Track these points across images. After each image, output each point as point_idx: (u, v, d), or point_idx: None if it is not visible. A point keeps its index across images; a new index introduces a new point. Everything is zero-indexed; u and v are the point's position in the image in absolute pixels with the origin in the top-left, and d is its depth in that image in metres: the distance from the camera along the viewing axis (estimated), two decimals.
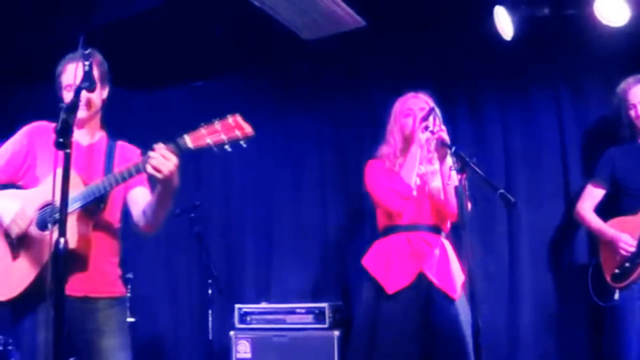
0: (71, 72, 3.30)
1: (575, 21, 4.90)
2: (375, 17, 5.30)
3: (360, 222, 5.26)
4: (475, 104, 5.51)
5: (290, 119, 6.11)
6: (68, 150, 2.61)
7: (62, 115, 2.63)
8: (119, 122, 5.82)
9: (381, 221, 4.22)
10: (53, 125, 3.36)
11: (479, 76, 5.50)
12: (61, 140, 2.59)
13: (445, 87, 5.45)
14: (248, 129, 2.97)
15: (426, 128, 3.97)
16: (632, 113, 4.59)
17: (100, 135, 3.45)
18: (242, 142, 2.98)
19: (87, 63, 2.82)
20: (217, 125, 2.97)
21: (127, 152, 3.48)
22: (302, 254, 5.92)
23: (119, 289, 3.36)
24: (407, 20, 5.33)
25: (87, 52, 2.86)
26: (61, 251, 2.51)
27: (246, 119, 5.83)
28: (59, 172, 2.63)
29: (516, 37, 4.93)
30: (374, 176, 4.20)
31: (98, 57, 3.38)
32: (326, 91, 5.99)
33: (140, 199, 3.39)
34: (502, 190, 3.33)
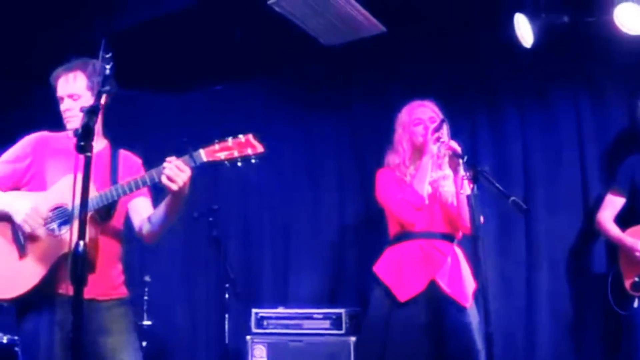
0: (62, 84, 3.45)
1: (595, 29, 4.94)
2: (395, 23, 5.38)
3: (378, 228, 5.28)
4: (494, 112, 5.58)
5: (310, 123, 6.20)
6: (89, 154, 2.66)
7: (84, 119, 2.70)
8: (141, 124, 6.07)
9: (392, 228, 4.29)
10: (55, 134, 3.54)
11: (498, 83, 5.57)
12: (82, 144, 2.63)
13: (465, 94, 5.56)
14: (259, 148, 3.14)
15: (438, 139, 4.06)
16: None
17: (104, 143, 3.54)
18: (253, 160, 3.14)
19: (108, 67, 2.92)
20: (230, 142, 3.13)
21: (130, 161, 3.60)
22: (319, 259, 6.00)
23: (123, 291, 3.46)
24: (427, 26, 5.42)
25: (108, 55, 2.98)
26: (80, 253, 2.58)
27: (266, 122, 6.01)
28: (78, 176, 2.69)
29: (536, 44, 4.98)
30: (385, 186, 4.28)
31: (93, 65, 3.45)
32: (345, 96, 6.08)
33: (141, 208, 3.51)
34: (513, 198, 3.44)
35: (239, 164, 3.14)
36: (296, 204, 6.17)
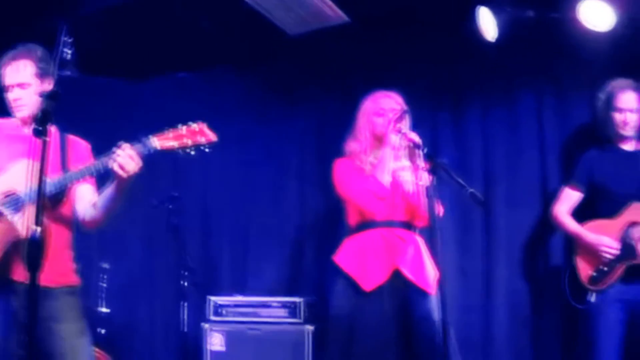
0: (9, 74, 3.48)
1: (559, 24, 4.98)
2: (359, 14, 5.41)
3: (337, 219, 5.32)
4: (457, 106, 5.63)
5: (274, 114, 6.21)
6: (46, 139, 2.72)
7: (43, 104, 2.77)
8: (101, 110, 6.05)
9: (353, 218, 4.34)
10: (3, 120, 3.55)
11: (462, 78, 5.62)
12: (40, 128, 2.70)
13: (428, 88, 5.61)
14: (212, 136, 3.21)
15: (399, 130, 4.13)
16: (618, 117, 4.69)
17: (52, 128, 3.50)
18: (205, 148, 3.21)
19: (68, 52, 2.94)
20: (184, 130, 3.19)
21: (78, 145, 3.63)
22: (279, 248, 6.03)
23: (74, 279, 3.50)
24: (391, 19, 5.43)
25: (69, 40, 3.00)
26: (37, 239, 2.62)
27: (230, 112, 5.98)
28: (27, 162, 2.79)
29: (500, 38, 5.02)
30: (345, 176, 4.34)
31: (39, 51, 3.52)
32: (310, 88, 6.09)
33: (86, 195, 3.54)
34: (471, 190, 3.51)
35: (192, 152, 3.21)
36: (257, 194, 6.18)
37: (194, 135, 3.18)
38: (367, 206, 4.17)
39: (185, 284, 5.54)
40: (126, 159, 3.13)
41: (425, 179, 3.65)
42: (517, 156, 5.44)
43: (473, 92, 5.60)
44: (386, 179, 4.15)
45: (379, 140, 4.28)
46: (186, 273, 5.54)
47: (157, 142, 3.18)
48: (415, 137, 4.02)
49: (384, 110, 4.34)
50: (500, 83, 5.52)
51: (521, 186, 5.39)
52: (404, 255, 4.15)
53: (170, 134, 3.18)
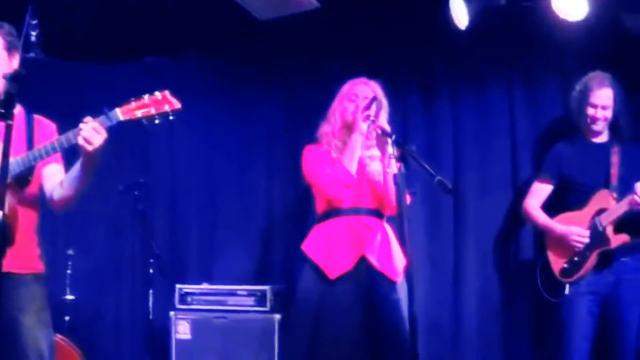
0: None
1: (532, 13, 4.99)
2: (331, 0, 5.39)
3: (306, 207, 5.39)
4: (427, 94, 5.66)
5: (242, 100, 6.19)
6: (10, 122, 2.74)
7: (7, 87, 2.79)
8: (67, 93, 6.02)
9: (320, 206, 4.36)
10: None
11: (432, 66, 5.65)
12: (3, 111, 2.72)
13: (398, 74, 5.62)
14: (176, 104, 3.22)
15: (367, 117, 4.15)
16: (591, 112, 4.72)
17: (18, 109, 3.45)
18: (170, 116, 3.22)
19: (33, 34, 2.96)
20: (147, 99, 3.20)
21: (44, 125, 3.60)
22: (246, 236, 6.03)
23: (39, 266, 3.48)
24: (361, 3, 5.42)
25: (35, 22, 3.01)
26: (0, 224, 2.63)
27: (197, 97, 6.00)
28: None
29: (471, 27, 5.02)
30: (313, 162, 4.36)
31: (6, 26, 3.47)
32: (279, 73, 6.09)
33: (54, 174, 3.51)
34: (439, 177, 3.52)
35: (157, 121, 3.21)
36: (225, 181, 6.17)
37: (157, 103, 3.20)
38: (333, 193, 4.19)
39: (152, 271, 5.53)
40: (90, 132, 3.13)
41: (394, 166, 3.68)
42: (488, 145, 5.48)
43: (444, 80, 5.62)
44: (353, 166, 4.17)
45: (348, 126, 4.30)
46: (153, 260, 5.53)
47: (120, 113, 3.18)
48: (385, 125, 4.08)
49: (356, 97, 4.36)
50: (472, 71, 5.56)
51: (492, 176, 5.44)
52: (371, 243, 4.18)
53: (133, 104, 3.19)
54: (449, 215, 5.49)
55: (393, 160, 3.68)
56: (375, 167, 4.26)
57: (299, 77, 6.03)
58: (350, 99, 4.39)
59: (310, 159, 4.39)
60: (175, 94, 5.41)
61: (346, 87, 4.46)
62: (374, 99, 4.25)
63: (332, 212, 4.28)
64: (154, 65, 6.32)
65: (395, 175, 3.67)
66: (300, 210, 5.69)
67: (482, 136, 5.51)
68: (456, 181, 5.43)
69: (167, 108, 3.20)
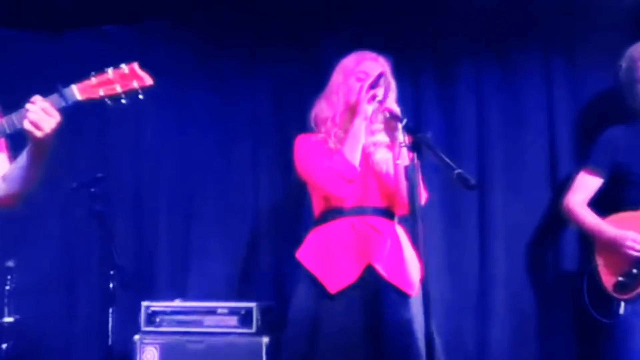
0: None
1: None
2: None
3: (301, 206, 5.47)
4: (444, 70, 5.70)
5: (220, 79, 6.20)
6: None
7: None
8: (14, 67, 6.04)
9: (318, 205, 4.42)
10: None
11: (450, 32, 5.69)
12: None
13: (408, 48, 5.66)
14: (147, 79, 3.23)
15: (373, 98, 4.20)
16: None
17: None
18: (139, 94, 3.23)
19: None
20: (111, 74, 3.20)
21: None
22: (228, 242, 6.05)
23: None
24: None
25: None
26: None
27: (165, 75, 6.01)
28: None
29: None
30: (308, 153, 4.40)
31: None
32: (266, 48, 6.08)
33: None
34: (459, 170, 3.51)
35: (123, 100, 3.21)
36: (202, 176, 6.18)
37: (124, 79, 3.19)
38: (333, 189, 4.22)
39: (112, 285, 5.48)
40: (40, 114, 3.12)
41: (405, 156, 3.75)
42: (519, 132, 5.54)
43: (465, 52, 5.67)
44: (356, 157, 4.21)
45: (353, 110, 4.32)
46: (113, 272, 5.48)
47: (77, 91, 3.18)
48: (394, 107, 4.11)
49: (366, 75, 4.38)
50: (500, 42, 5.60)
51: (525, 167, 5.50)
52: (379, 249, 4.22)
53: (93, 79, 3.19)
54: (473, 215, 5.56)
55: (404, 150, 3.77)
56: (382, 157, 4.32)
57: (290, 51, 6.04)
58: (359, 77, 4.40)
59: (304, 150, 4.43)
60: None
61: (351, 62, 4.48)
62: (381, 75, 4.30)
63: (332, 213, 4.33)
64: (112, 34, 6.35)
65: (406, 168, 3.71)
66: (294, 210, 5.74)
67: (512, 120, 5.57)
68: (481, 174, 5.50)
69: (135, 84, 3.20)
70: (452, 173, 3.56)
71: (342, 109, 4.41)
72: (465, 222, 5.59)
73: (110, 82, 3.19)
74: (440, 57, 5.73)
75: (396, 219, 4.39)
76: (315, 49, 5.84)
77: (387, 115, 4.11)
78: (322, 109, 4.50)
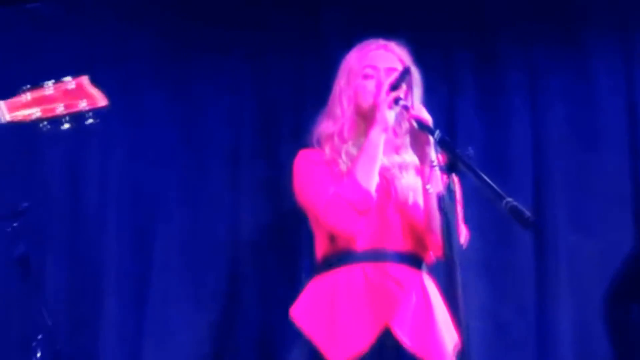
0: None
1: None
2: None
3: (296, 242, 5.46)
4: (488, 66, 5.73)
5: (188, 75, 6.19)
6: None
7: None
8: None
9: (321, 246, 4.31)
10: None
11: (496, 22, 5.75)
12: None
13: (440, 36, 5.72)
14: (99, 99, 3.19)
15: (396, 101, 4.08)
16: None
17: None
18: (89, 118, 3.19)
19: None
20: (50, 88, 3.16)
21: None
22: (198, 292, 6.01)
23: None
24: None
25: None
26: None
27: (114, 65, 5.96)
28: None
29: None
30: (309, 176, 4.30)
31: None
32: (247, 33, 6.07)
33: None
34: (510, 201, 3.34)
35: (66, 125, 3.19)
36: (162, 203, 6.15)
37: (68, 97, 3.16)
38: (339, 224, 4.10)
39: (40, 355, 5.46)
40: None
41: (439, 181, 3.68)
42: (589, 146, 5.54)
43: (513, 45, 5.71)
44: (372, 181, 4.11)
45: (365, 117, 4.26)
46: (40, 336, 5.47)
47: (6, 110, 3.14)
48: (424, 114, 4.01)
49: (376, 70, 4.31)
50: (559, 29, 5.64)
51: (597, 194, 5.50)
52: (401, 308, 4.11)
53: (27, 96, 3.15)
54: (528, 259, 5.54)
55: (437, 172, 3.71)
56: (408, 182, 4.24)
57: (279, 38, 6.04)
58: (367, 75, 4.32)
59: (305, 170, 4.35)
60: (77, 58, 5.43)
61: (355, 57, 4.42)
62: (406, 71, 4.19)
63: (340, 257, 4.22)
64: (42, 13, 6.29)
65: (440, 196, 3.55)
66: (287, 247, 5.73)
67: (580, 132, 5.58)
68: (537, 203, 5.52)
69: (84, 105, 3.17)
70: (502, 204, 3.39)
71: (351, 119, 4.34)
72: (517, 271, 5.58)
73: (49, 99, 3.16)
74: (484, 47, 5.76)
75: (425, 268, 4.30)
76: (310, 34, 5.90)
77: (415, 124, 3.98)
78: (326, 124, 4.42)
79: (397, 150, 4.29)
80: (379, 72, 4.28)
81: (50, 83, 3.15)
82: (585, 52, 5.59)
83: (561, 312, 5.46)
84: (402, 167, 4.26)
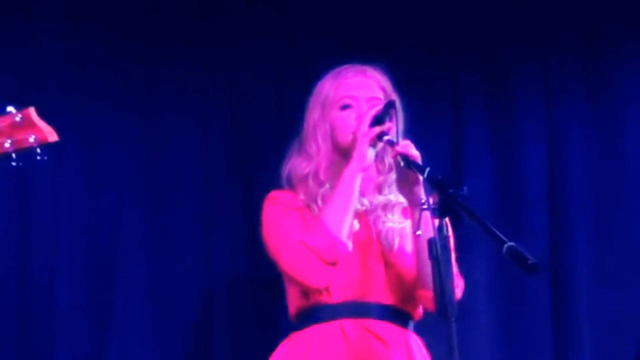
0: None
1: None
2: None
3: (271, 294, 5.38)
4: (492, 82, 5.74)
5: (151, 94, 6.15)
6: None
7: None
8: None
9: (293, 300, 4.32)
10: None
11: (500, 38, 5.75)
12: None
13: (441, 50, 5.70)
14: (50, 133, 3.17)
15: (380, 136, 4.09)
16: None
17: None
18: (38, 156, 3.16)
19: None
20: None
21: None
22: (161, 342, 5.97)
23: None
24: None
25: None
26: None
27: (67, 83, 5.93)
28: None
29: None
30: (275, 223, 4.31)
31: None
32: (217, 49, 6.08)
33: None
34: (511, 245, 3.34)
35: (13, 163, 3.17)
36: (123, 239, 6.05)
37: (15, 130, 3.15)
38: (304, 278, 4.10)
39: None
40: None
41: (430, 226, 3.58)
42: (615, 179, 5.55)
43: (530, 57, 5.72)
44: (344, 226, 4.11)
45: (346, 155, 4.25)
46: None
47: None
48: (412, 150, 3.98)
49: (357, 100, 4.33)
50: (574, 41, 5.67)
51: (622, 239, 5.47)
52: None
53: None
54: (543, 316, 5.52)
55: (427, 214, 3.63)
56: (393, 226, 4.22)
57: (254, 54, 6.02)
58: (345, 105, 4.35)
59: (272, 218, 4.35)
60: (21, 74, 5.38)
61: (330, 85, 4.42)
62: (391, 104, 4.20)
63: (314, 313, 4.22)
64: None
65: (431, 242, 3.54)
66: (263, 290, 5.71)
67: (604, 160, 5.60)
68: (555, 248, 5.51)
69: (32, 140, 3.15)
70: (503, 249, 3.36)
71: (328, 157, 4.36)
72: (529, 327, 5.55)
73: None
74: (489, 57, 5.78)
75: (411, 326, 4.30)
76: (290, 49, 5.94)
77: (402, 163, 3.98)
78: (299, 164, 4.42)
79: (379, 189, 4.30)
80: (360, 102, 4.32)
81: None
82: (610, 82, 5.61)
83: None
84: (386, 208, 4.27)
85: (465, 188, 3.55)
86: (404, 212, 4.20)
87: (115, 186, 6.09)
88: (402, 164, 3.97)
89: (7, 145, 3.11)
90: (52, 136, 3.15)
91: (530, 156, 5.62)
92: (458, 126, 5.64)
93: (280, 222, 4.27)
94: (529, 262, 3.29)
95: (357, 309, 4.16)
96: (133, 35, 6.13)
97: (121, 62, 6.14)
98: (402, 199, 4.18)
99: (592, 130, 5.59)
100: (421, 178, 3.78)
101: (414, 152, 3.96)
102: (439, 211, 3.55)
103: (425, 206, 3.72)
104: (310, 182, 4.31)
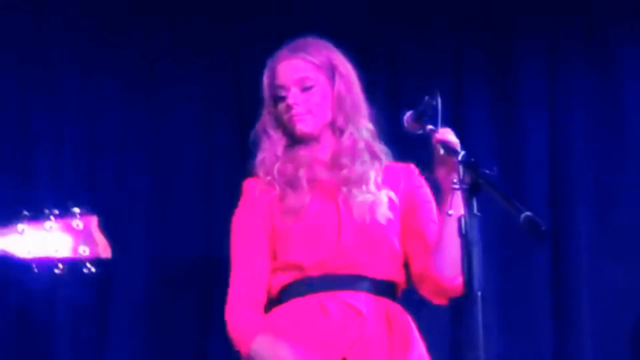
0: None
1: None
2: None
3: None
4: (495, 66, 5.98)
5: (152, 83, 6.27)
6: None
7: None
8: None
9: (278, 276, 4.49)
10: None
11: (505, 17, 5.98)
12: None
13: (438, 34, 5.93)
14: (103, 249, 3.42)
15: (423, 126, 4.17)
16: None
17: None
18: (88, 268, 3.36)
19: None
20: (53, 227, 3.32)
21: None
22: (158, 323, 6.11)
23: None
24: None
25: None
26: None
27: (63, 71, 6.10)
28: None
29: None
30: (232, 246, 4.58)
31: None
32: (222, 31, 6.24)
33: None
34: (527, 213, 3.40)
35: (57, 271, 3.33)
36: (125, 203, 6.21)
37: (69, 237, 3.31)
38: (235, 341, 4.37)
39: None
40: None
41: (460, 205, 3.71)
42: (617, 147, 5.82)
43: (532, 26, 5.97)
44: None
45: (286, 128, 4.55)
46: None
47: None
48: (451, 137, 4.11)
49: (287, 89, 4.52)
50: (579, 25, 5.92)
51: (627, 208, 5.75)
52: (360, 341, 4.25)
53: (23, 227, 3.29)
54: (542, 285, 5.79)
55: (458, 195, 3.75)
56: (364, 199, 4.41)
57: (258, 35, 6.21)
58: (278, 96, 4.56)
59: (233, 233, 4.60)
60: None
61: (265, 78, 4.59)
62: (430, 101, 4.20)
63: (292, 287, 4.44)
64: None
65: (461, 220, 3.65)
66: None
67: (604, 138, 5.85)
68: (554, 220, 5.76)
69: (84, 253, 3.34)
70: (520, 217, 3.42)
71: (282, 147, 4.57)
72: (528, 298, 5.80)
73: (48, 238, 3.28)
74: (496, 30, 6.02)
75: (392, 295, 4.47)
76: (297, 28, 5.67)
77: (441, 150, 4.07)
78: (259, 156, 4.62)
79: (340, 166, 4.48)
80: (289, 90, 4.52)
81: (52, 218, 3.25)
82: (611, 54, 5.84)
83: (582, 348, 5.68)
84: (349, 183, 4.45)
85: (495, 168, 3.71)
86: (376, 184, 4.41)
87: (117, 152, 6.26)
88: (442, 151, 4.06)
89: (57, 253, 3.26)
90: (106, 252, 3.31)
91: (532, 125, 5.85)
92: (460, 92, 5.91)
93: (234, 253, 4.57)
94: (542, 228, 3.39)
95: (334, 282, 4.33)
96: (138, 6, 6.25)
97: (125, 33, 6.29)
98: (367, 171, 4.41)
99: (594, 97, 5.81)
100: (457, 160, 3.77)
101: (454, 139, 4.07)
102: (470, 191, 3.68)
103: (457, 186, 3.73)
104: (267, 161, 4.53)
